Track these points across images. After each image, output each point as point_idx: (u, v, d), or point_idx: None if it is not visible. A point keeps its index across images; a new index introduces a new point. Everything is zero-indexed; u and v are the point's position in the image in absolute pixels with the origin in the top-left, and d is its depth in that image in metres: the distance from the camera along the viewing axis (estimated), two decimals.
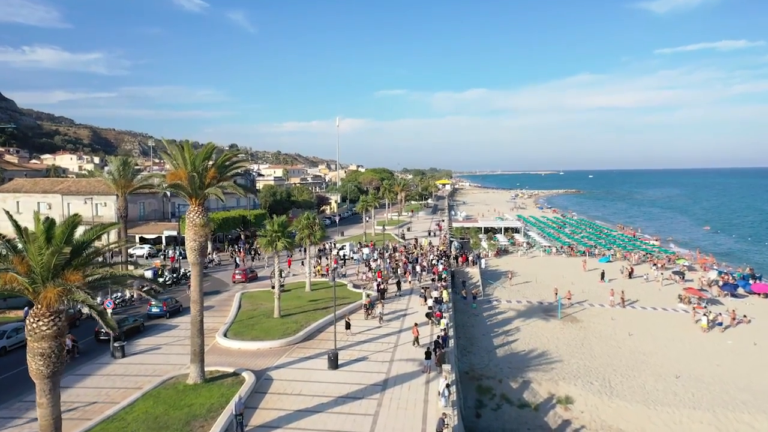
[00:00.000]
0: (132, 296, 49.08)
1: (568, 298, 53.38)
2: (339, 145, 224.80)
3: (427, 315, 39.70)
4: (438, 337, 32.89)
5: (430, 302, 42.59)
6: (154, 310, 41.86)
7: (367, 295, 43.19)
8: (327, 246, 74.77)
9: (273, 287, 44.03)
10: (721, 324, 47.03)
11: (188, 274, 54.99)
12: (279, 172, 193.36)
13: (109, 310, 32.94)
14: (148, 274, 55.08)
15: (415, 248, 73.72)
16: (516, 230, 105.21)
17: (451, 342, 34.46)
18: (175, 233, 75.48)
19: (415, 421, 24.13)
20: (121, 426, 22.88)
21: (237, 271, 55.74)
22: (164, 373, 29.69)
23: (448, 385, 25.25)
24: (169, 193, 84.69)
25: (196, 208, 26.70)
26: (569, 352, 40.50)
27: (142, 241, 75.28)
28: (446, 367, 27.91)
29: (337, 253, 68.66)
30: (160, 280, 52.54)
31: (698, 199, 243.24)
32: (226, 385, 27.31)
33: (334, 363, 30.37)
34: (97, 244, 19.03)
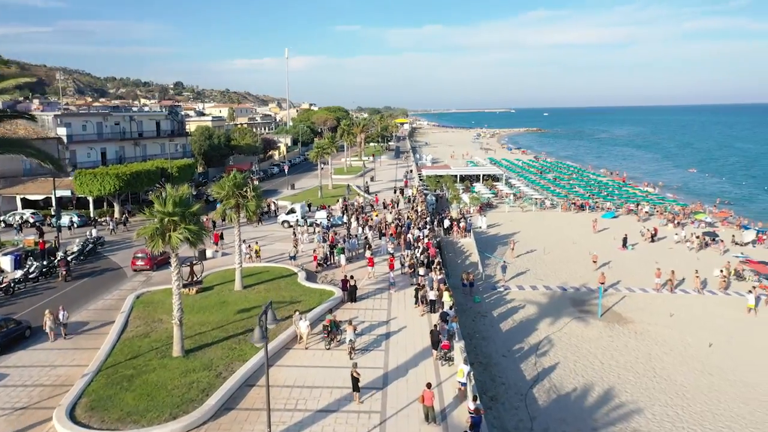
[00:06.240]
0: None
1: (602, 283, 39.12)
2: (288, 80, 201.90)
3: (433, 340, 24.50)
4: (470, 415, 17.83)
5: (434, 319, 27.39)
6: None
7: (330, 312, 27.53)
8: (272, 207, 58.29)
9: (183, 287, 27.91)
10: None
11: (68, 257, 38.34)
12: (225, 112, 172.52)
13: None
14: (6, 262, 37.87)
15: (392, 208, 57.65)
16: (496, 178, 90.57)
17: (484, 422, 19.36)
18: (69, 193, 57.53)
19: None
20: None
21: (139, 254, 38.76)
22: None
23: None
24: (65, 139, 66.04)
25: None
26: (642, 388, 26.30)
27: (26, 204, 57.01)
28: None
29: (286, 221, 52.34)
30: (18, 273, 35.47)
31: (664, 138, 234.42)
32: None
33: None
34: None
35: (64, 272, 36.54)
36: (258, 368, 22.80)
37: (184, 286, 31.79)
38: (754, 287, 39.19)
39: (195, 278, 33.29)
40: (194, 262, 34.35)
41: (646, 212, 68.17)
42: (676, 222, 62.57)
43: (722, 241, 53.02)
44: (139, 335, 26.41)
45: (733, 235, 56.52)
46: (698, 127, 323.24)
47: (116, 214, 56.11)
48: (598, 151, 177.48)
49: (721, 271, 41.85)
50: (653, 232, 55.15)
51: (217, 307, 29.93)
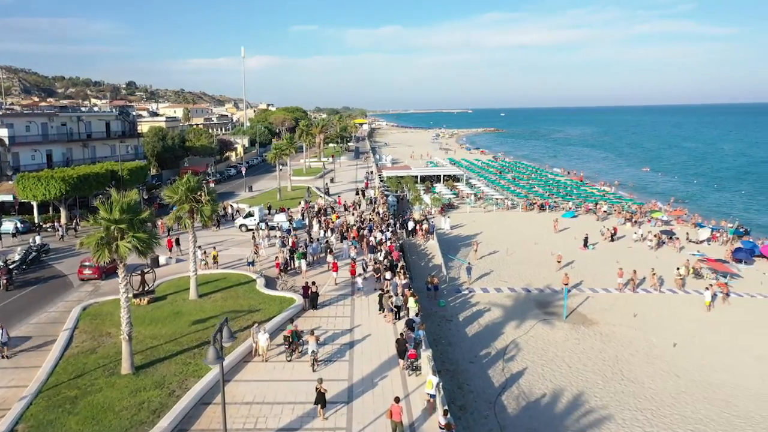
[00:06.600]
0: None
1: (566, 284, 38.94)
2: (245, 80, 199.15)
3: (399, 350, 23.56)
4: (441, 431, 16.99)
5: (399, 325, 26.47)
6: None
7: (291, 321, 26.29)
8: (229, 210, 56.40)
9: (133, 299, 26.30)
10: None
11: (9, 266, 35.95)
12: (179, 112, 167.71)
13: None
14: None
15: (354, 210, 56.40)
16: (456, 178, 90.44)
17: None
18: (11, 198, 54.38)
19: None
20: None
21: (86, 263, 36.54)
22: None
23: None
24: (7, 140, 62.45)
25: None
26: (611, 393, 25.96)
27: None
28: None
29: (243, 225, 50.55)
30: None
31: (616, 137, 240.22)
32: None
33: None
34: None
35: (4, 282, 34.47)
36: (214, 384, 21.45)
37: (135, 296, 30.08)
38: (711, 284, 39.75)
39: (146, 287, 31.51)
40: (146, 270, 32.51)
41: (605, 211, 68.91)
42: (633, 221, 63.47)
43: (678, 239, 53.85)
44: (85, 351, 24.61)
45: (688, 233, 57.56)
46: (648, 126, 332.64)
47: (63, 220, 53.28)
48: (554, 150, 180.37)
49: (678, 269, 42.35)
50: (613, 232, 55.62)
51: (171, 318, 28.28)
